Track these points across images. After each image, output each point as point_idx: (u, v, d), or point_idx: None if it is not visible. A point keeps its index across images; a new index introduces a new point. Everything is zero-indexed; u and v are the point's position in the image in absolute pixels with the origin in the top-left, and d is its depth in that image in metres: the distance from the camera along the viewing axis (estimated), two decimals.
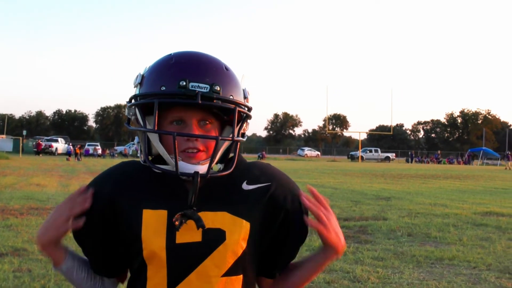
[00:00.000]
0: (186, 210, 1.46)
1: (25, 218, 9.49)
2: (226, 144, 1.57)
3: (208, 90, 1.46)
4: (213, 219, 1.49)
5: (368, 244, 7.76)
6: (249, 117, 1.60)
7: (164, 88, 1.47)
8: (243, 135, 1.61)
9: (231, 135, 1.52)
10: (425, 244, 7.82)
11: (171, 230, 1.48)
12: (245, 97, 1.60)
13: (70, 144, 54.57)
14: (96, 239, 1.59)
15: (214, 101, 1.46)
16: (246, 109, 1.58)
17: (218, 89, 1.47)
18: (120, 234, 1.56)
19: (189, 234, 1.49)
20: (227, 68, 1.55)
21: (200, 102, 1.43)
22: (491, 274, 6.09)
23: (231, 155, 1.59)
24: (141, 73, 1.57)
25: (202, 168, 1.47)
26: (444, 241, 8.10)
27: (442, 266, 6.47)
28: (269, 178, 1.60)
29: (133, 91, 1.58)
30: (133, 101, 1.56)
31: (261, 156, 74.44)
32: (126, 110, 1.59)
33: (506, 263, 6.65)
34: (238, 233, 1.51)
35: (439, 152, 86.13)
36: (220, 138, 1.47)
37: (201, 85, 1.46)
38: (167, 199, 1.52)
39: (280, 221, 1.59)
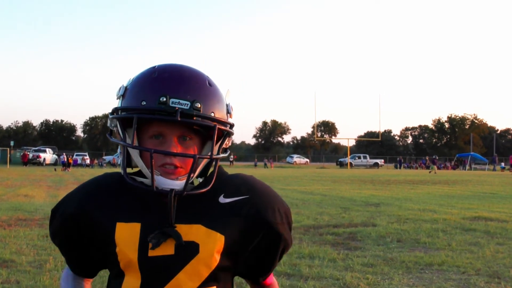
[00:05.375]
0: (165, 228, 1.48)
1: (13, 230, 9.41)
2: (205, 161, 1.57)
3: (188, 107, 1.46)
4: (187, 231, 1.49)
5: (357, 250, 7.77)
6: (230, 134, 1.60)
7: (144, 103, 1.47)
8: (225, 150, 1.61)
9: (209, 154, 1.52)
10: (414, 250, 7.83)
11: (143, 243, 1.49)
12: (228, 113, 1.60)
13: (64, 154, 54.20)
14: (71, 248, 1.64)
15: (194, 118, 1.46)
16: (228, 126, 1.57)
17: (199, 106, 1.47)
18: (96, 245, 1.58)
19: (161, 247, 1.49)
20: (210, 84, 1.55)
21: (179, 119, 1.43)
22: (480, 279, 6.11)
23: (212, 169, 1.59)
24: (124, 85, 1.57)
25: (180, 184, 1.48)
26: (433, 246, 8.12)
27: (431, 272, 6.49)
28: (248, 191, 1.59)
29: (116, 102, 1.59)
30: (114, 113, 1.57)
31: (267, 164, 74.75)
32: (108, 121, 1.59)
33: (495, 267, 6.67)
34: (212, 246, 1.50)
35: (427, 157, 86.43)
36: (198, 156, 1.46)
37: (181, 101, 1.46)
38: (141, 212, 1.53)
39: (262, 234, 1.58)
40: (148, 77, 1.53)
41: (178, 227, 1.49)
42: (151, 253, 1.49)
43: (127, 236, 1.51)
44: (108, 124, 1.60)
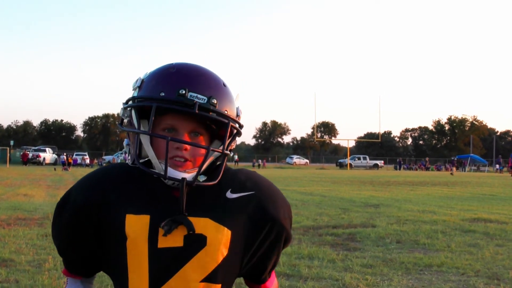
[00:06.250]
0: (176, 216, 1.50)
1: (12, 229, 9.40)
2: (212, 157, 1.60)
3: (205, 101, 1.51)
4: (195, 224, 1.52)
5: (357, 251, 7.77)
6: (239, 133, 1.65)
7: (163, 94, 1.51)
8: (230, 151, 1.66)
9: (221, 148, 1.57)
10: (413, 251, 7.83)
11: (153, 235, 1.51)
12: (237, 115, 1.65)
13: (64, 154, 54.26)
14: (74, 244, 1.63)
15: (210, 113, 1.51)
16: (238, 125, 1.63)
17: (215, 102, 1.52)
18: (103, 238, 1.59)
19: (171, 239, 1.52)
20: (225, 85, 1.61)
21: (197, 111, 1.47)
22: (479, 281, 6.11)
23: (218, 163, 1.62)
24: (141, 77, 1.61)
25: (188, 176, 1.51)
26: (432, 247, 8.12)
27: (430, 273, 6.49)
28: (253, 187, 1.63)
29: (131, 93, 1.62)
30: (130, 102, 1.60)
31: (257, 164, 75.23)
32: (121, 111, 1.63)
33: (494, 269, 6.67)
34: (219, 239, 1.54)
35: (427, 159, 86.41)
36: (211, 149, 1.51)
37: (199, 96, 1.51)
38: (150, 204, 1.55)
39: (266, 230, 1.62)
40: (167, 71, 1.57)
41: (189, 219, 1.52)
42: (161, 244, 1.51)
43: (137, 228, 1.52)
44: (121, 114, 1.63)
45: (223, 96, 1.57)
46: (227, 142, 1.60)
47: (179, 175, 1.50)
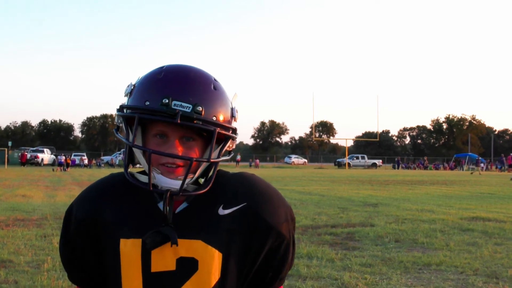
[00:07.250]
0: (161, 228, 1.46)
1: (11, 230, 9.40)
2: (205, 164, 1.56)
3: (190, 110, 1.45)
4: (188, 247, 1.49)
5: (355, 250, 7.77)
6: (232, 138, 1.59)
7: (148, 103, 1.47)
8: (229, 152, 1.61)
9: (207, 157, 1.51)
10: (412, 250, 7.84)
11: (146, 259, 1.49)
12: (233, 116, 1.59)
13: (62, 154, 54.19)
14: (79, 257, 1.62)
15: (195, 121, 1.46)
16: (231, 130, 1.57)
17: (201, 109, 1.46)
18: (101, 254, 1.58)
19: (163, 262, 1.49)
20: (215, 87, 1.55)
21: (179, 122, 1.43)
22: (478, 279, 6.12)
23: (211, 173, 1.57)
24: (133, 83, 1.58)
25: (179, 184, 1.47)
26: (431, 246, 8.13)
27: (429, 272, 6.49)
28: (246, 195, 1.57)
29: (124, 99, 1.59)
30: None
31: (253, 164, 75.29)
32: (116, 117, 1.60)
33: (493, 267, 6.68)
34: (210, 263, 1.49)
35: (425, 158, 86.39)
36: (194, 159, 1.46)
37: (183, 104, 1.45)
38: (142, 225, 1.51)
39: (262, 239, 1.56)
40: (154, 77, 1.53)
41: (180, 242, 1.48)
42: (154, 268, 1.49)
43: (130, 252, 1.50)
44: (116, 120, 1.61)
45: (212, 101, 1.50)
46: (218, 148, 1.56)
47: (171, 183, 1.47)
